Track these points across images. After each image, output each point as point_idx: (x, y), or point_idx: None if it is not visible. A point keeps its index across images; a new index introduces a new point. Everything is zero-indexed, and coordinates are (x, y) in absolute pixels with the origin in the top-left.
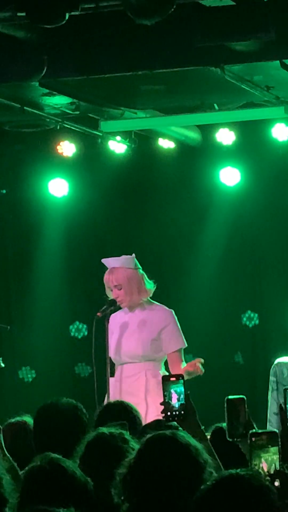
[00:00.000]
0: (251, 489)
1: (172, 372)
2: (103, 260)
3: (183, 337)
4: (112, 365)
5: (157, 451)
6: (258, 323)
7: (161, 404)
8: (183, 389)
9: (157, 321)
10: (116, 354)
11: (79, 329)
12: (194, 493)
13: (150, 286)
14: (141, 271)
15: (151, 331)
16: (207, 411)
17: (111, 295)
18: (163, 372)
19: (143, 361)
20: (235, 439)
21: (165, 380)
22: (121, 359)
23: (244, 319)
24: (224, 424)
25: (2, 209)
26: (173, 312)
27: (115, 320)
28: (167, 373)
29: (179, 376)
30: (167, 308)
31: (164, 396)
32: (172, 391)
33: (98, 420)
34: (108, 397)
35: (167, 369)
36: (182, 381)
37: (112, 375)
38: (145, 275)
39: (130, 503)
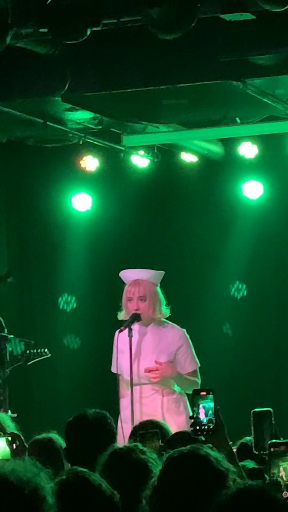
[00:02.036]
0: (265, 501)
1: (188, 382)
2: (125, 272)
3: (196, 357)
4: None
5: (178, 468)
6: (284, 335)
7: (190, 418)
8: (212, 404)
9: (171, 342)
10: (130, 374)
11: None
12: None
13: (166, 310)
14: (160, 291)
15: (166, 353)
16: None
17: (127, 308)
18: (178, 389)
19: (159, 382)
20: (262, 452)
21: (195, 395)
22: (138, 380)
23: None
24: (249, 438)
25: (26, 224)
26: (185, 331)
27: (124, 339)
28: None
29: (209, 391)
30: (179, 327)
31: (193, 410)
32: (200, 405)
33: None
34: (122, 418)
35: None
36: (211, 396)
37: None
38: (164, 298)
39: None
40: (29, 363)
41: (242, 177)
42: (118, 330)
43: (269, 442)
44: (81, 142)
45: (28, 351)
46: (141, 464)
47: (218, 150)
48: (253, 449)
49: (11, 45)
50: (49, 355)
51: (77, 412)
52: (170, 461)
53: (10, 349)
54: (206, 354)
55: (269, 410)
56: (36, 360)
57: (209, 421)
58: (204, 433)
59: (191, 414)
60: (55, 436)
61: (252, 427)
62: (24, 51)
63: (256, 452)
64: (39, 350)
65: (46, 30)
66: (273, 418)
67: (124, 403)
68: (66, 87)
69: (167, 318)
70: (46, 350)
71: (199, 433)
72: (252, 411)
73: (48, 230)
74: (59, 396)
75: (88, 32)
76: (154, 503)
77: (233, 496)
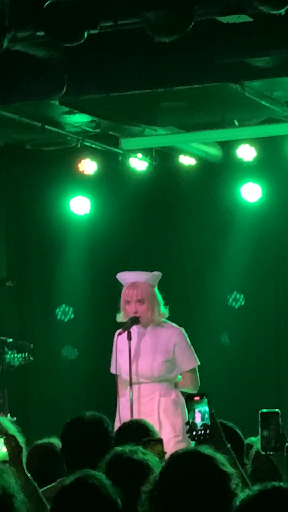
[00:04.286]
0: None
1: (182, 388)
2: (122, 274)
3: (195, 355)
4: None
5: (182, 464)
6: (284, 340)
7: (186, 424)
8: (207, 408)
9: (167, 341)
10: (128, 374)
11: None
12: (222, 504)
13: (164, 310)
14: (158, 292)
15: (163, 352)
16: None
17: (125, 310)
18: (175, 390)
19: (157, 382)
20: (269, 453)
21: (189, 399)
22: (136, 379)
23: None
24: (254, 439)
25: (24, 227)
26: (183, 330)
27: (124, 339)
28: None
29: (203, 395)
30: (177, 326)
31: (189, 415)
32: (196, 410)
33: (117, 439)
34: (120, 417)
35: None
36: (206, 400)
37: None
38: (161, 299)
39: None
40: (12, 367)
41: (240, 179)
42: (117, 332)
43: (287, 444)
44: (79, 146)
45: (9, 355)
46: (143, 465)
47: (216, 152)
48: (260, 449)
49: (8, 48)
50: (32, 359)
51: (75, 415)
52: (174, 458)
53: (10, 352)
54: (206, 357)
55: (277, 411)
56: (18, 364)
57: (205, 425)
58: (201, 438)
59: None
60: (55, 441)
61: (259, 428)
62: (21, 55)
63: (264, 453)
64: (22, 355)
65: (43, 33)
66: (280, 419)
67: (122, 403)
68: (64, 90)
69: (167, 318)
70: (27, 354)
71: (196, 438)
72: (260, 411)
73: (47, 234)
74: (58, 400)
75: (86, 35)
76: (154, 498)
77: (256, 497)
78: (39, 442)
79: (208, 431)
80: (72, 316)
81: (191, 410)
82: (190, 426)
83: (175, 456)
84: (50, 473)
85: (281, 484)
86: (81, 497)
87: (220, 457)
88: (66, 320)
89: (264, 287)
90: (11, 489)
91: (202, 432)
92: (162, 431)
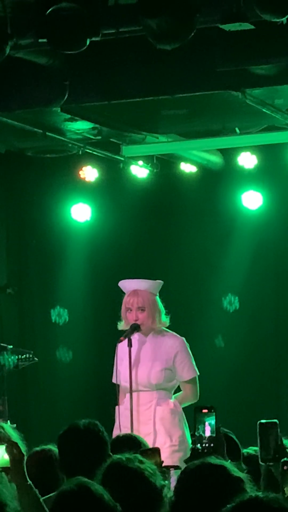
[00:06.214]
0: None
1: (183, 401)
2: (123, 282)
3: (195, 365)
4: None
5: (196, 478)
6: (284, 348)
7: (192, 435)
8: (214, 422)
9: (168, 350)
10: (127, 381)
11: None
12: None
13: (165, 319)
14: (159, 300)
15: (163, 361)
16: None
17: (127, 318)
18: (173, 400)
19: (155, 390)
20: (267, 463)
21: (198, 412)
22: (135, 387)
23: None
24: (245, 451)
25: (25, 234)
26: (185, 340)
27: (124, 346)
28: (177, 402)
29: (211, 408)
30: (178, 336)
31: (197, 428)
32: (206, 423)
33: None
34: (119, 425)
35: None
36: (214, 413)
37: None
38: (163, 307)
39: None
40: (18, 369)
41: (241, 187)
42: (118, 341)
43: (282, 460)
44: (80, 153)
45: (16, 357)
46: (137, 473)
47: (217, 160)
48: (259, 460)
49: (10, 55)
50: (36, 360)
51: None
52: (188, 474)
53: (10, 360)
54: (204, 364)
55: (275, 422)
56: (25, 365)
57: (211, 438)
58: (205, 450)
59: (185, 428)
60: (53, 447)
61: (258, 438)
62: (23, 62)
63: (262, 464)
64: (26, 356)
65: (45, 40)
66: (279, 430)
67: (121, 411)
68: (65, 98)
69: (167, 327)
70: (32, 354)
71: (200, 451)
72: (258, 422)
73: (47, 241)
74: (58, 406)
75: (87, 42)
76: None
77: (236, 507)
78: (37, 449)
79: (212, 445)
80: (74, 316)
81: (200, 422)
82: (196, 439)
83: (188, 471)
84: (48, 480)
85: (259, 495)
86: (80, 503)
87: (229, 464)
88: (68, 320)
89: (264, 294)
90: (3, 497)
91: (207, 445)
92: (157, 440)
